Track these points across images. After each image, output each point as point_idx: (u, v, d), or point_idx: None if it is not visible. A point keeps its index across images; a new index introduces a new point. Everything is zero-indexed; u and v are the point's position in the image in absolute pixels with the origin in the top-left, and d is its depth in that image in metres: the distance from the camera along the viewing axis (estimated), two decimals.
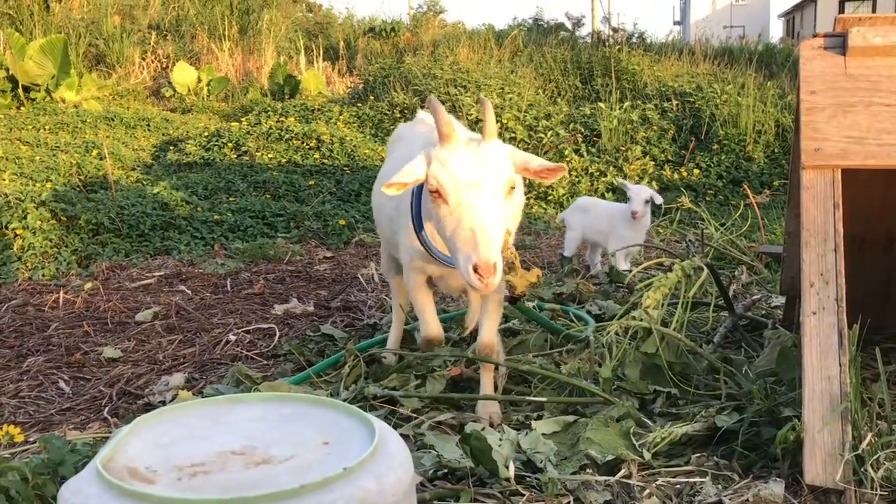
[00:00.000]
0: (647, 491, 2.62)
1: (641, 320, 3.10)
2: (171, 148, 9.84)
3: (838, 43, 3.23)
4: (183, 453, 1.35)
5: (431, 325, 3.39)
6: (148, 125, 11.14)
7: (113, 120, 11.02)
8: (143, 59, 15.62)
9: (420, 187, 2.97)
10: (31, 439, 3.11)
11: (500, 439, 2.72)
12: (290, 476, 1.27)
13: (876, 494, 2.56)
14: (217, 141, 9.57)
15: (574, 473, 2.71)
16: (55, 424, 3.37)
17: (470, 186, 2.58)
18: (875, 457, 2.63)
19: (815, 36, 3.27)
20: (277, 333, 4.45)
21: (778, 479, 2.71)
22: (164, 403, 3.58)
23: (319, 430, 1.44)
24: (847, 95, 3.17)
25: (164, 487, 1.24)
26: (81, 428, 3.33)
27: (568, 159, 9.46)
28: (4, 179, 7.66)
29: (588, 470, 2.72)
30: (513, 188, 2.70)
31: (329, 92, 14.67)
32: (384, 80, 12.11)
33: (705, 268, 3.40)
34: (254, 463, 1.32)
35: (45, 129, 10.18)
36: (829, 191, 3.11)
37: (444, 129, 2.69)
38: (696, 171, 9.23)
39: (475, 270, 2.50)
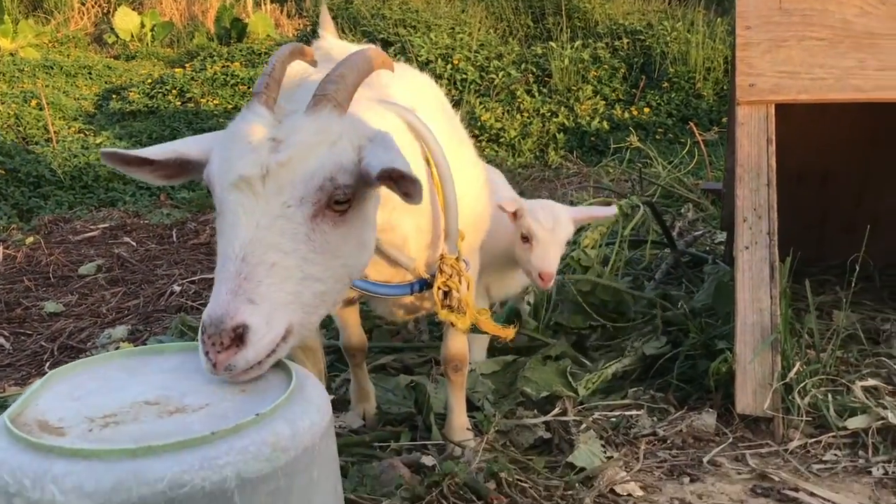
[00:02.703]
0: (584, 426, 2.67)
1: (578, 260, 3.13)
2: (114, 96, 9.58)
3: None
4: (96, 405, 1.35)
5: (351, 336, 2.75)
6: (89, 73, 10.81)
7: (52, 68, 10.67)
8: (84, 4, 15.07)
9: None
10: None
11: (437, 389, 2.76)
12: (202, 424, 1.27)
13: (802, 420, 2.65)
14: (161, 88, 9.34)
15: (511, 411, 2.76)
16: None
17: (232, 187, 1.56)
18: (802, 385, 2.71)
19: None
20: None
21: (710, 410, 2.79)
22: None
23: None
24: (781, 30, 3.18)
25: (74, 439, 1.23)
26: (22, 383, 3.29)
27: (520, 100, 9.42)
28: None
29: (524, 410, 2.77)
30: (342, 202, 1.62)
31: (278, 35, 14.34)
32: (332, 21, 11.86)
33: (643, 206, 3.43)
34: (167, 412, 1.32)
35: None
36: (762, 126, 3.14)
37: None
38: (647, 110, 9.25)
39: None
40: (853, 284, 3.17)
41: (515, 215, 2.83)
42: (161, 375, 1.46)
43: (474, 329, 2.26)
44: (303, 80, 2.52)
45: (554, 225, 2.79)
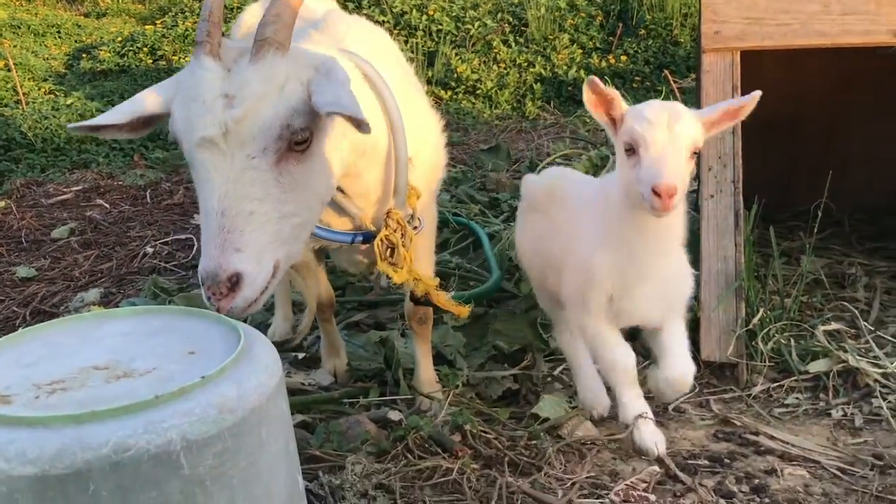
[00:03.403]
0: (550, 378, 2.71)
1: None
2: (85, 56, 9.41)
3: None
4: (44, 372, 1.35)
5: (320, 292, 2.68)
6: (58, 32, 10.60)
7: (20, 28, 10.45)
8: None
9: None
10: None
11: (405, 343, 2.78)
12: (149, 388, 1.28)
13: (765, 366, 2.69)
14: (132, 46, 9.18)
15: (481, 365, 2.79)
16: None
17: (197, 147, 1.66)
18: (765, 331, 2.75)
19: None
20: (196, 244, 4.40)
21: None
22: None
23: (187, 341, 1.44)
24: None
25: (19, 407, 1.24)
26: None
27: (496, 51, 9.32)
28: None
29: (494, 363, 2.80)
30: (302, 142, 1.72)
31: None
32: None
33: (611, 156, 3.43)
34: (115, 377, 1.33)
35: None
36: (728, 73, 3.13)
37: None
38: (624, 58, 9.19)
39: None
40: (821, 230, 3.20)
41: (615, 121, 2.11)
42: (112, 340, 1.47)
43: (426, 302, 2.27)
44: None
45: (669, 121, 1.99)
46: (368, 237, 2.17)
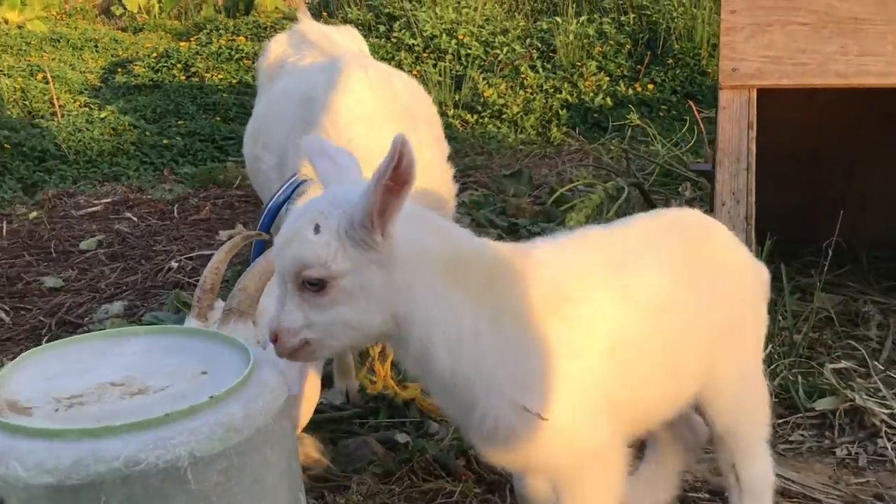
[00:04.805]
0: None
1: None
2: (120, 70, 9.64)
3: None
4: (64, 386, 1.43)
5: None
6: (96, 46, 10.86)
7: (59, 41, 10.72)
8: None
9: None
10: None
11: None
12: (161, 405, 1.34)
13: (772, 402, 2.71)
14: (166, 62, 9.38)
15: None
16: None
17: None
18: (773, 366, 2.77)
19: None
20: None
21: None
22: None
23: (199, 361, 1.51)
24: (765, 15, 3.20)
25: (39, 419, 1.32)
26: None
27: (523, 76, 9.41)
28: None
29: None
30: None
31: (287, 7, 14.32)
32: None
33: (627, 188, 3.47)
34: (130, 394, 1.40)
35: None
36: (744, 111, 3.17)
37: None
38: (651, 87, 9.23)
39: None
40: (840, 266, 3.22)
41: None
42: (129, 357, 1.54)
43: None
44: (283, 62, 2.89)
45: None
46: None
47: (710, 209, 4.79)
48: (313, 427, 2.54)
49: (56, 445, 1.24)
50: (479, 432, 1.61)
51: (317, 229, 1.48)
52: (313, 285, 1.48)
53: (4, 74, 8.75)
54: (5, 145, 6.47)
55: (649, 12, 10.33)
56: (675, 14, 10.12)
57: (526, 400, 1.56)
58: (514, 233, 4.58)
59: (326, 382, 3.01)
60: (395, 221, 1.48)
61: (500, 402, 1.57)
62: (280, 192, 2.31)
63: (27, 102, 7.97)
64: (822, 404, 2.67)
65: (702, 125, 6.51)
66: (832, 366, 2.84)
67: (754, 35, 3.18)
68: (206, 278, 1.97)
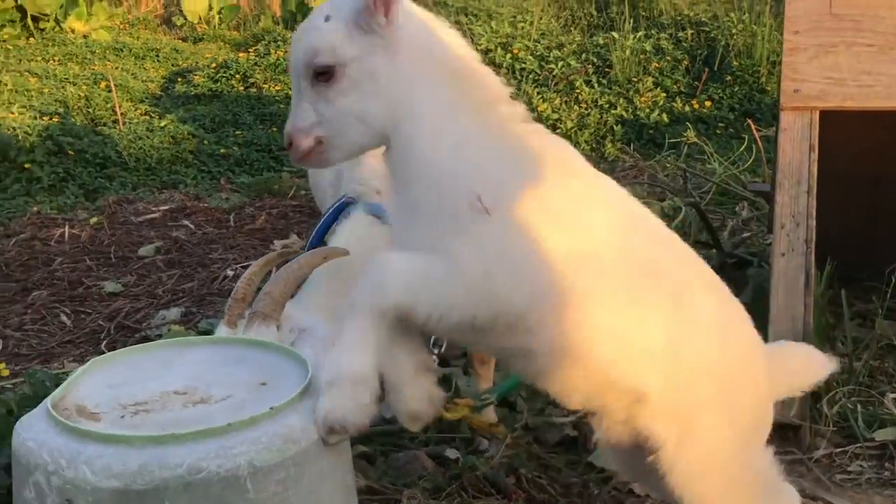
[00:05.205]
0: None
1: None
2: (180, 79, 9.86)
3: None
4: (129, 393, 1.47)
5: None
6: (157, 56, 11.12)
7: (122, 50, 11.01)
8: None
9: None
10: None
11: (468, 382, 2.84)
12: (223, 415, 1.38)
13: (829, 430, 2.65)
14: (225, 72, 9.57)
15: (541, 409, 2.83)
16: (55, 357, 3.53)
17: None
18: (831, 394, 2.71)
19: None
20: (273, 270, 4.56)
21: None
22: (160, 337, 3.73)
23: (259, 371, 1.55)
24: (830, 36, 3.15)
25: (106, 425, 1.36)
26: (80, 360, 3.48)
27: (578, 91, 9.38)
28: (13, 112, 7.75)
29: (553, 408, 2.83)
30: None
31: None
32: None
33: (684, 207, 3.44)
34: (192, 402, 1.43)
35: (53, 61, 10.20)
36: (805, 133, 3.12)
37: None
38: (708, 104, 9.13)
39: None
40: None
41: None
42: (192, 366, 1.58)
43: None
44: None
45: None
46: None
47: (768, 230, 4.74)
48: (363, 439, 2.56)
49: (123, 451, 1.27)
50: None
51: (327, 19, 1.59)
52: (323, 74, 1.55)
53: (70, 82, 9.02)
54: (69, 152, 6.67)
55: (708, 28, 10.23)
56: (734, 31, 10.00)
57: (482, 193, 1.53)
58: None
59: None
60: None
61: (462, 190, 1.54)
62: (329, 212, 2.37)
63: (90, 110, 8.20)
64: (883, 434, 2.60)
65: (760, 144, 6.41)
66: (893, 395, 2.77)
67: (818, 56, 3.13)
68: (239, 288, 2.07)
